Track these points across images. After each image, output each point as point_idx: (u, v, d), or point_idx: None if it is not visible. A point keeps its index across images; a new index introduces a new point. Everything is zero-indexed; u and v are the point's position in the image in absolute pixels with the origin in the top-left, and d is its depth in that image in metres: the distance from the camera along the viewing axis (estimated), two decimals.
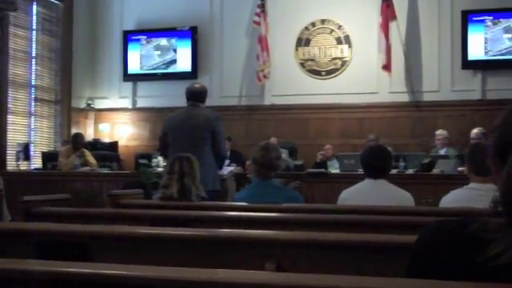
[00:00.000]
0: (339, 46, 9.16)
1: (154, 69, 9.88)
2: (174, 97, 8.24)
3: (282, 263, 1.80)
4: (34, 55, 9.38)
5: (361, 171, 3.66)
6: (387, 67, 8.61)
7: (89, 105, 10.14)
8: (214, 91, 8.84)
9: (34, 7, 9.37)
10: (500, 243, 0.90)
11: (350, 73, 9.04)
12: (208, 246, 1.97)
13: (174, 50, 9.76)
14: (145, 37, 9.91)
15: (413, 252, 1.05)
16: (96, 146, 9.10)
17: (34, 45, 9.37)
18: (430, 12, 8.79)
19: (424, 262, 1.01)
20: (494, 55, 8.41)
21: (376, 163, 3.32)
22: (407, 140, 8.63)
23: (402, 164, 6.88)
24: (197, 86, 4.90)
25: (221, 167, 4.94)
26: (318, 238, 1.92)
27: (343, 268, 1.75)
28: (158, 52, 9.85)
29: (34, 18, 9.37)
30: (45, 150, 9.21)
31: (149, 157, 7.74)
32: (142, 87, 10.07)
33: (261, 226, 2.33)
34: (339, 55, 9.16)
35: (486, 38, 8.43)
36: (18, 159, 8.37)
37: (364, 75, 8.91)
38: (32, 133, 9.35)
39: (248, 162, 6.28)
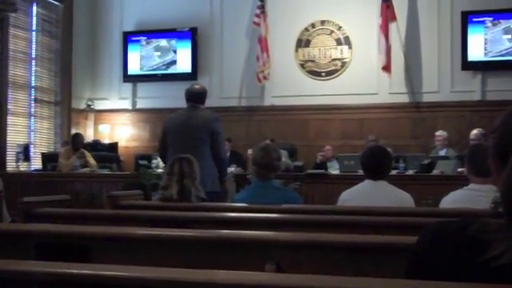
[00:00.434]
0: (339, 47, 9.17)
1: (153, 70, 9.89)
2: (173, 98, 8.24)
3: (281, 264, 1.79)
4: (33, 56, 9.39)
5: (361, 172, 3.65)
6: (387, 68, 8.62)
7: (89, 106, 10.15)
8: (214, 92, 8.85)
9: (34, 8, 9.37)
10: (500, 244, 0.90)
11: (350, 74, 9.04)
12: (208, 247, 1.97)
13: (174, 51, 9.77)
14: (145, 38, 9.91)
15: (413, 253, 1.04)
16: (96, 147, 9.09)
17: (33, 46, 9.38)
18: (429, 13, 8.79)
19: (424, 263, 1.01)
20: (494, 56, 8.41)
21: (376, 164, 3.31)
22: (407, 141, 8.63)
23: (401, 165, 6.88)
24: (197, 87, 4.86)
25: (223, 172, 4.63)
26: (318, 239, 1.92)
27: (343, 269, 1.75)
28: (158, 53, 9.85)
29: (34, 19, 9.38)
30: (45, 150, 9.22)
31: (149, 158, 7.76)
32: (142, 88, 10.08)
33: (261, 227, 2.33)
34: (339, 56, 9.16)
35: (485, 39, 8.43)
36: (17, 160, 8.38)
37: (364, 76, 8.91)
38: (32, 134, 9.36)
39: (249, 152, 6.10)
